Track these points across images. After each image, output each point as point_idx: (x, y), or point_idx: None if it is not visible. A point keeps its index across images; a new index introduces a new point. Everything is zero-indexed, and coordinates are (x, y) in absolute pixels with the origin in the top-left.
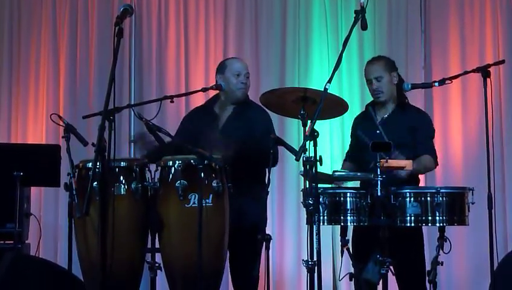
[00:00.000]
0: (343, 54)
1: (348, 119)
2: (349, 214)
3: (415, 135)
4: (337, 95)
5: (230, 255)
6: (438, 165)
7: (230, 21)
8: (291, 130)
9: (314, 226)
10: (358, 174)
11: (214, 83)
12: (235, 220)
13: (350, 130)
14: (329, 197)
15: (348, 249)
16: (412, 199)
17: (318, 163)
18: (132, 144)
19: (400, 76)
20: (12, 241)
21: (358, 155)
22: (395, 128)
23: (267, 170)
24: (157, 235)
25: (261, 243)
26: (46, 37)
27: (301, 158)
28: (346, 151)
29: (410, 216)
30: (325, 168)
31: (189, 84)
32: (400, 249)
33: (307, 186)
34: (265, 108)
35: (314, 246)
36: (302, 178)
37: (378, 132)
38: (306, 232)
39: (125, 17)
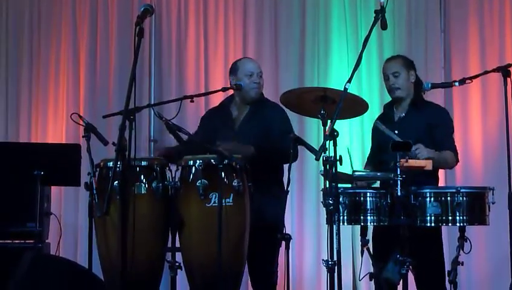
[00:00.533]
0: (363, 54)
1: (367, 119)
2: (369, 214)
3: (434, 132)
4: (357, 94)
5: (248, 254)
6: (458, 161)
7: (250, 21)
8: (311, 129)
9: (334, 226)
10: (378, 174)
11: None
12: (254, 220)
13: (370, 131)
14: (349, 197)
15: (368, 249)
16: (432, 198)
17: (338, 163)
18: (152, 143)
19: (418, 76)
20: (32, 241)
21: (378, 156)
22: (413, 127)
23: (286, 169)
24: (177, 234)
25: (279, 242)
26: (65, 37)
27: (321, 158)
28: (367, 154)
29: (431, 216)
30: (345, 168)
31: (208, 84)
32: (420, 249)
33: (327, 186)
34: (282, 106)
35: (334, 246)
36: (322, 178)
37: (396, 132)
38: (325, 232)
39: (145, 16)
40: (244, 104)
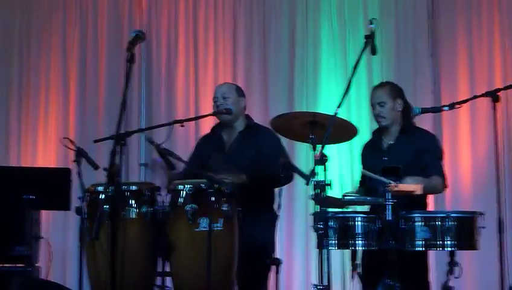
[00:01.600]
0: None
1: (356, 144)
2: (358, 238)
3: (423, 157)
4: (346, 119)
5: (238, 279)
6: (447, 187)
7: (239, 47)
8: (301, 154)
9: (324, 250)
10: (368, 198)
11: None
12: (244, 244)
13: (359, 156)
14: (339, 221)
15: (358, 273)
16: (422, 223)
17: (328, 187)
18: (143, 167)
19: (407, 102)
20: (22, 264)
21: (368, 181)
22: (401, 153)
23: (277, 194)
24: (167, 258)
25: (269, 267)
26: (55, 61)
27: (311, 182)
28: (356, 178)
29: (420, 240)
30: (334, 193)
31: (198, 109)
32: (407, 272)
33: (317, 210)
34: (273, 131)
35: (324, 270)
36: (312, 202)
37: (385, 158)
38: (315, 256)
39: (136, 43)
40: (229, 128)
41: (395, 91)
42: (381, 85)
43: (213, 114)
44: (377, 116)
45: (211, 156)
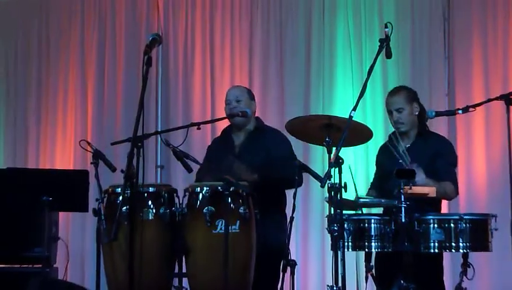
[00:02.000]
0: (368, 82)
1: (372, 147)
2: (373, 240)
3: (437, 162)
4: (361, 122)
5: (253, 280)
6: (458, 194)
7: (255, 50)
8: (316, 156)
9: (339, 252)
10: (383, 200)
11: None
12: (259, 246)
13: (375, 158)
14: (354, 224)
15: (372, 275)
16: (436, 225)
17: (343, 189)
18: (159, 169)
19: (421, 105)
20: (40, 265)
21: (382, 183)
22: (418, 157)
23: (291, 195)
24: (184, 260)
25: (285, 268)
26: (74, 65)
27: (326, 185)
28: (371, 180)
29: (434, 242)
30: (349, 195)
31: (215, 112)
32: (421, 274)
33: (332, 212)
34: (283, 133)
35: (339, 271)
36: (327, 204)
37: (400, 161)
38: (330, 258)
39: (154, 46)
40: (240, 130)
41: (411, 95)
42: (397, 91)
43: (228, 116)
44: (396, 123)
45: (224, 158)
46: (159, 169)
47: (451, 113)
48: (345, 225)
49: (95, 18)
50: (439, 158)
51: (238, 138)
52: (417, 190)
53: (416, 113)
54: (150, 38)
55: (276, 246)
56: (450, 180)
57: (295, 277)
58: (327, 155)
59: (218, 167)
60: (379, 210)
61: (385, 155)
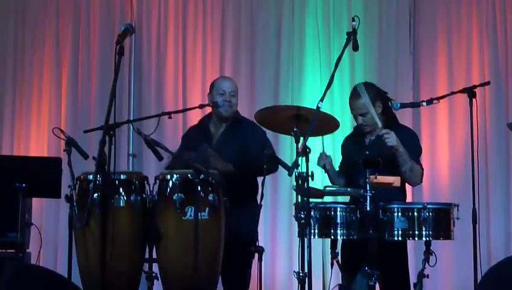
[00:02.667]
0: (335, 74)
1: (339, 137)
2: (339, 228)
3: None
4: (328, 113)
5: (222, 265)
6: (421, 181)
7: (227, 41)
8: (285, 146)
9: (306, 239)
10: (349, 189)
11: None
12: (228, 233)
13: (340, 149)
14: (320, 211)
15: (337, 262)
16: (400, 214)
17: (310, 178)
18: (131, 157)
19: (384, 97)
20: (13, 250)
21: (348, 172)
22: (383, 149)
23: (261, 184)
24: (154, 246)
25: (253, 254)
26: (48, 54)
27: (294, 173)
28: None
29: (398, 230)
30: (316, 184)
31: (186, 101)
32: (386, 262)
33: (299, 200)
34: (259, 125)
35: (305, 258)
36: (294, 192)
37: (367, 152)
38: (297, 245)
39: (126, 36)
40: (220, 121)
41: (372, 95)
42: (358, 94)
43: (199, 106)
44: (360, 126)
45: (198, 146)
46: (131, 157)
47: (415, 105)
48: (312, 213)
49: (70, 7)
50: (406, 149)
51: (216, 128)
52: (382, 179)
53: (379, 112)
54: (123, 28)
55: (248, 233)
56: (419, 165)
57: (263, 263)
58: (295, 145)
59: (193, 156)
60: (345, 198)
61: (351, 145)
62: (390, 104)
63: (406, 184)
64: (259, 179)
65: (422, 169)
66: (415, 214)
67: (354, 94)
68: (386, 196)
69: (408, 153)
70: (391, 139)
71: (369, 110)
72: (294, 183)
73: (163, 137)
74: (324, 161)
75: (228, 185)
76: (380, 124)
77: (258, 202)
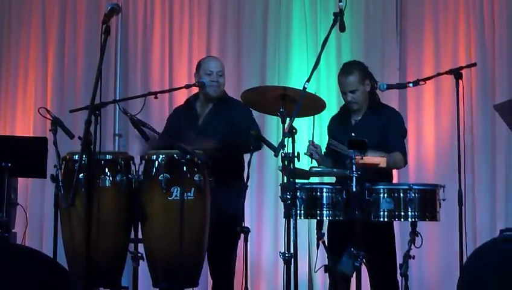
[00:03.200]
0: (322, 55)
1: (325, 117)
2: (325, 209)
3: (387, 134)
4: (315, 93)
5: (208, 245)
6: (406, 164)
7: (213, 21)
8: (271, 126)
9: (292, 219)
10: (335, 170)
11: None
12: (214, 213)
13: (327, 130)
14: (306, 192)
15: (323, 242)
16: (386, 195)
17: (296, 159)
18: (117, 137)
19: (372, 79)
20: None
21: (334, 153)
22: (369, 130)
23: (247, 164)
24: (140, 226)
25: (239, 235)
26: (34, 33)
27: (280, 154)
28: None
29: (384, 211)
30: (302, 164)
31: (172, 82)
32: (373, 243)
33: (285, 181)
34: (246, 105)
35: (291, 239)
36: (281, 173)
37: (352, 134)
38: (283, 226)
39: (112, 15)
40: (207, 101)
41: (362, 73)
42: (349, 71)
43: (185, 86)
44: (349, 103)
45: (185, 126)
46: (116, 137)
47: (402, 86)
48: (298, 194)
49: None
50: (389, 130)
51: (203, 108)
52: (368, 160)
53: (368, 90)
54: (109, 8)
55: (234, 214)
56: (399, 150)
57: (248, 243)
58: (281, 125)
59: (180, 135)
60: (331, 179)
61: (337, 126)
62: (376, 85)
63: None
64: (246, 160)
65: (405, 154)
66: (401, 195)
67: (345, 71)
68: (372, 176)
69: (394, 133)
70: None
71: (357, 88)
72: (281, 164)
73: (149, 117)
74: (312, 151)
75: (214, 165)
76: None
77: (245, 182)
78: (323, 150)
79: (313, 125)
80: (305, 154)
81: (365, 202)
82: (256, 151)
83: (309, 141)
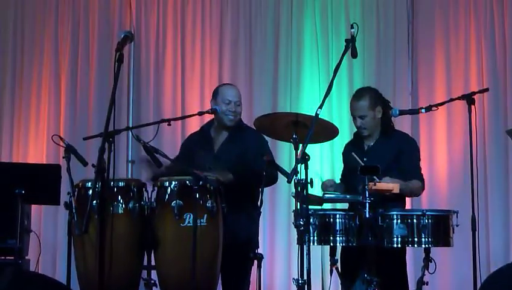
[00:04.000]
0: (334, 81)
1: (337, 144)
2: (338, 235)
3: (402, 160)
4: (327, 120)
5: (221, 272)
6: (424, 189)
7: (225, 48)
8: (283, 153)
9: (305, 246)
10: (348, 196)
11: (210, 108)
12: (228, 239)
13: (341, 155)
14: (320, 218)
15: (336, 269)
16: (399, 220)
17: (309, 185)
18: (130, 164)
19: (385, 105)
20: (12, 257)
21: (348, 179)
22: (381, 155)
23: (260, 190)
24: (153, 252)
25: (252, 261)
26: (47, 61)
27: (293, 180)
28: (336, 176)
29: (397, 237)
30: (315, 191)
31: (185, 108)
32: (385, 268)
33: (298, 207)
34: (260, 133)
35: (305, 265)
36: (293, 199)
37: (365, 159)
38: (296, 252)
39: (125, 43)
40: (222, 128)
41: (374, 100)
42: (360, 96)
43: (198, 114)
44: (359, 128)
45: (200, 153)
46: (130, 164)
47: (414, 112)
48: (311, 220)
49: (69, 15)
50: (404, 156)
51: (218, 135)
52: (381, 186)
53: (379, 116)
54: (122, 36)
55: (247, 239)
56: (416, 178)
57: (262, 270)
58: (294, 151)
59: (194, 161)
60: (344, 205)
61: (350, 151)
62: (390, 111)
63: None
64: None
65: (422, 181)
66: (414, 221)
67: (357, 95)
68: (385, 202)
69: (409, 160)
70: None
71: (367, 114)
72: (294, 190)
73: (162, 144)
74: (329, 188)
75: (227, 191)
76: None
77: (258, 208)
78: (335, 175)
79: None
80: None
81: (378, 228)
82: (272, 184)
83: (323, 182)
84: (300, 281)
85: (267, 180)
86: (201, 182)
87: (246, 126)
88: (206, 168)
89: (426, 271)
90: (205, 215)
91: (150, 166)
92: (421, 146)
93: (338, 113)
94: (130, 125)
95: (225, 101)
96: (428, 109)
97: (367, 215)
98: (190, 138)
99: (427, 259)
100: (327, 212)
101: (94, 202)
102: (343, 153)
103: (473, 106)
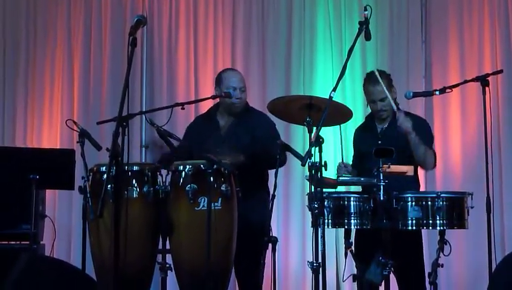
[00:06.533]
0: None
1: (351, 127)
2: (352, 218)
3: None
4: (341, 102)
5: (235, 255)
6: (435, 166)
7: (238, 32)
8: (297, 136)
9: (319, 229)
10: (362, 179)
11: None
12: (242, 223)
13: (352, 141)
14: (334, 201)
15: (351, 251)
16: (414, 203)
17: (323, 168)
18: (144, 149)
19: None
20: (28, 242)
21: (361, 162)
22: (395, 138)
23: (273, 174)
24: (168, 236)
25: (266, 244)
26: (60, 46)
27: (307, 163)
28: (350, 159)
29: (412, 220)
30: (329, 173)
31: (198, 92)
32: (401, 251)
33: (312, 190)
34: (267, 114)
35: (319, 248)
36: (308, 182)
37: (379, 142)
38: (311, 235)
39: (138, 27)
40: (228, 112)
41: (389, 81)
42: (375, 80)
43: (212, 97)
44: (379, 112)
45: (208, 137)
46: (143, 148)
47: (428, 94)
48: (325, 203)
49: (81, 0)
50: (417, 132)
51: (224, 119)
52: (395, 168)
53: (395, 96)
54: (135, 20)
55: (261, 224)
56: (432, 149)
57: (276, 253)
58: (308, 135)
59: (203, 145)
60: (358, 188)
61: (363, 135)
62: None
63: (419, 173)
64: (272, 169)
65: (435, 153)
66: (429, 203)
67: (372, 80)
68: (399, 185)
69: (421, 135)
70: (406, 123)
71: (387, 95)
72: (307, 173)
73: (175, 128)
74: (343, 171)
75: (239, 175)
76: (395, 108)
77: (271, 192)
78: (349, 157)
79: (340, 135)
80: (337, 174)
81: (393, 210)
82: (281, 166)
83: (339, 163)
84: (315, 264)
85: (279, 163)
86: (215, 166)
87: (253, 109)
88: (218, 152)
89: (441, 253)
90: (220, 199)
91: (158, 149)
92: (434, 129)
93: (352, 95)
94: (144, 110)
95: (229, 88)
96: (443, 91)
97: (381, 198)
98: (196, 121)
99: (442, 241)
100: (341, 195)
101: (109, 186)
102: (354, 139)
103: (487, 88)
